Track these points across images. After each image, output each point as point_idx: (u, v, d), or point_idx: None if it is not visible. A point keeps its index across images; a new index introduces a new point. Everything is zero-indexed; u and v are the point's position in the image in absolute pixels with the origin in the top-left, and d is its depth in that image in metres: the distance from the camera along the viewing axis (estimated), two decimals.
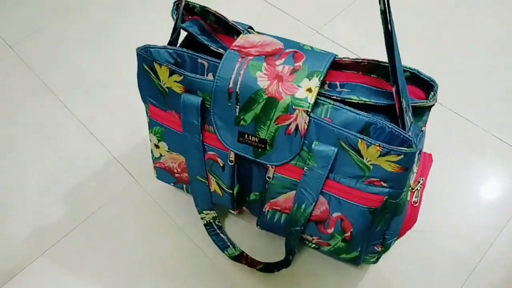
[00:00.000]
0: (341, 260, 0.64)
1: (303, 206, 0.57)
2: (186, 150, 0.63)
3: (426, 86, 0.53)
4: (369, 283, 0.68)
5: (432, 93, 0.52)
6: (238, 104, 0.55)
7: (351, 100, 0.53)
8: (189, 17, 0.64)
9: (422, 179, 0.61)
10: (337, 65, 0.56)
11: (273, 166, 0.57)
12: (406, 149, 0.48)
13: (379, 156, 0.50)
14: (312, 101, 0.52)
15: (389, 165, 0.50)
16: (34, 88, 0.99)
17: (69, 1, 1.18)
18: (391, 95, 0.54)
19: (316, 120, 0.52)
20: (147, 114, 0.67)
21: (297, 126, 0.53)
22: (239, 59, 0.55)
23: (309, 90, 0.52)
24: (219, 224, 0.74)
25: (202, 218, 0.73)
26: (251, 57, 0.55)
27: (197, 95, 0.58)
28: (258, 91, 0.53)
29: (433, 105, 0.54)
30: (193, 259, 0.73)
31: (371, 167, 0.52)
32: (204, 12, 0.62)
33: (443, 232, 0.73)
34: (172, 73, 0.58)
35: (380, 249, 0.64)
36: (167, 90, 0.60)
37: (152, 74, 0.60)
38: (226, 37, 0.63)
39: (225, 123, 0.57)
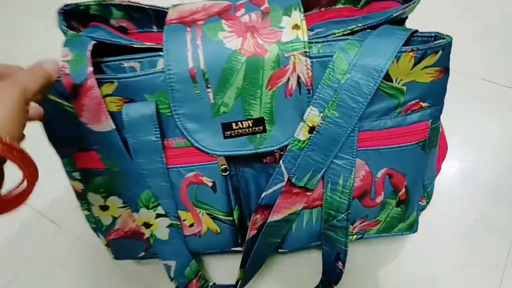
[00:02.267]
0: (394, 234, 0.50)
1: (340, 181, 0.43)
2: (142, 186, 0.44)
3: None
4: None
5: None
6: (210, 85, 0.40)
7: (335, 34, 0.42)
8: (82, 28, 0.47)
9: None
10: None
11: (283, 149, 0.42)
12: (443, 40, 0.39)
13: (414, 65, 0.39)
14: (306, 38, 0.39)
15: (426, 74, 0.40)
16: None
17: None
18: (367, 18, 0.45)
19: (319, 59, 0.39)
20: (68, 169, 0.46)
21: (298, 78, 0.40)
22: (187, 29, 0.40)
23: (296, 26, 0.39)
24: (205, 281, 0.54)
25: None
26: (200, 22, 0.40)
27: (144, 100, 0.40)
28: (231, 56, 0.39)
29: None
30: None
31: (405, 88, 0.41)
32: (104, 10, 0.46)
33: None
34: (99, 85, 0.39)
35: (424, 202, 0.53)
36: None
37: (66, 102, 0.40)
38: (144, 35, 0.48)
39: (199, 122, 0.41)
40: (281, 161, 0.42)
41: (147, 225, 0.46)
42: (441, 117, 0.46)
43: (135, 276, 0.56)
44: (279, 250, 0.51)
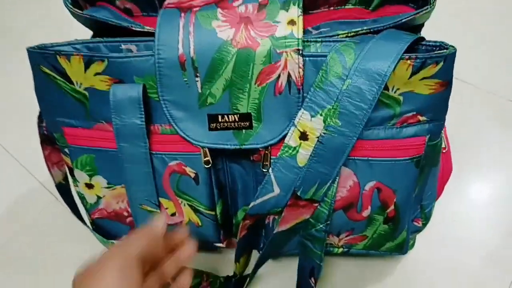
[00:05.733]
0: (383, 253, 0.48)
1: (321, 190, 0.41)
2: (124, 169, 0.44)
3: None
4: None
5: None
6: (198, 74, 0.39)
7: (338, 35, 0.40)
8: (88, 6, 0.48)
9: None
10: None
11: (268, 148, 0.41)
12: (446, 50, 0.36)
13: (412, 75, 0.36)
14: (300, 35, 0.37)
15: (425, 86, 0.37)
16: None
17: None
18: (376, 22, 0.42)
19: (312, 59, 0.38)
20: (60, 144, 0.46)
21: (289, 76, 0.38)
22: (182, 15, 0.39)
23: (292, 22, 0.38)
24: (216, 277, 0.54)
25: None
26: (196, 9, 0.40)
27: (133, 82, 0.40)
28: (222, 46, 0.38)
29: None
30: None
31: (401, 98, 0.38)
32: None
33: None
34: (89, 62, 0.40)
35: (420, 223, 0.50)
36: (87, 94, 0.41)
37: (59, 77, 0.41)
38: (148, 19, 0.48)
39: (185, 110, 0.40)
40: (270, 169, 0.41)
41: None
42: (452, 136, 0.44)
43: None
44: (260, 253, 0.50)
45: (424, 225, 0.50)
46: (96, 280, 0.30)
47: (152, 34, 0.41)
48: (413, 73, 0.36)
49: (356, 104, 0.36)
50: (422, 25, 0.45)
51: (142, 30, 0.42)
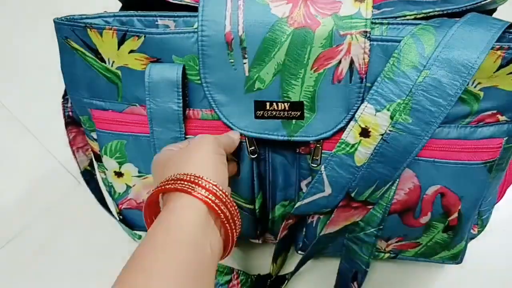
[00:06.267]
0: (434, 261, 0.43)
1: (378, 192, 0.37)
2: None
3: None
4: None
5: None
6: (246, 55, 0.34)
7: (406, 17, 0.35)
8: None
9: None
10: None
11: (320, 142, 0.36)
12: None
13: (499, 68, 0.31)
14: (369, 15, 0.32)
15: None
16: None
17: None
18: (448, 2, 0.37)
19: (381, 43, 0.33)
20: (87, 127, 0.42)
21: (351, 62, 0.33)
22: None
23: None
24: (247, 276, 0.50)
25: None
26: None
27: (171, 61, 0.36)
28: (276, 25, 0.33)
29: None
30: None
31: (481, 93, 0.33)
32: None
33: None
34: (123, 38, 0.35)
35: (476, 230, 0.45)
36: (119, 72, 0.37)
37: (89, 53, 0.37)
38: None
39: (229, 94, 0.36)
40: (322, 167, 0.36)
41: None
42: None
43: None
44: (298, 252, 0.46)
45: (480, 232, 0.45)
46: (194, 151, 0.33)
47: (191, 8, 0.36)
48: (501, 66, 0.31)
49: (433, 100, 0.31)
50: (494, 9, 0.39)
51: (180, 3, 0.37)
